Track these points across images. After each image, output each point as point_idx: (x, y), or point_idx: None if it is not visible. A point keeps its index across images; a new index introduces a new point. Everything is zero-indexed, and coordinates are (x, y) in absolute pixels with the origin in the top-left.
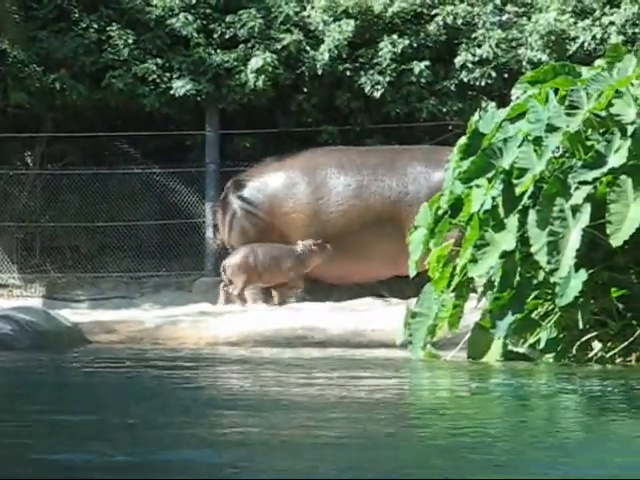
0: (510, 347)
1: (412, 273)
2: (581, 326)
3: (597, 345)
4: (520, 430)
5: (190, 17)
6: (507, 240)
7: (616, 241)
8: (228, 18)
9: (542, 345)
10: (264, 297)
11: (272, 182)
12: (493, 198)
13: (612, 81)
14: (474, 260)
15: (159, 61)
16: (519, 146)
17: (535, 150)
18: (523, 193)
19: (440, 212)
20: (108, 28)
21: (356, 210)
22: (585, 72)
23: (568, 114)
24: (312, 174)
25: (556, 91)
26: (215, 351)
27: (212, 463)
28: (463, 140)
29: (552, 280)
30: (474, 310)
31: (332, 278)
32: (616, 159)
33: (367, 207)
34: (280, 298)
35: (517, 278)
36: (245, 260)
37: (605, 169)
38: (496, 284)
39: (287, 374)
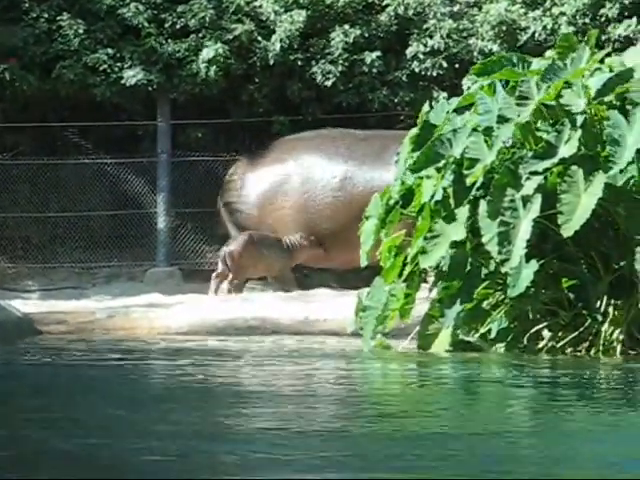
0: (461, 337)
1: (363, 263)
2: (532, 316)
3: (548, 335)
4: (470, 421)
5: (141, 7)
6: (457, 230)
7: (567, 231)
8: (179, 8)
9: (493, 335)
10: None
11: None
12: (444, 189)
13: (566, 72)
14: (425, 251)
15: (110, 51)
16: (468, 137)
17: (485, 141)
18: (474, 184)
19: (391, 202)
20: (58, 18)
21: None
22: (536, 63)
23: (518, 104)
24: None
25: (507, 82)
26: (164, 342)
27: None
28: (414, 131)
29: (503, 270)
30: (426, 300)
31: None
32: (567, 149)
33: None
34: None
35: (467, 268)
36: (247, 247)
37: (556, 159)
38: (446, 274)
39: (230, 364)
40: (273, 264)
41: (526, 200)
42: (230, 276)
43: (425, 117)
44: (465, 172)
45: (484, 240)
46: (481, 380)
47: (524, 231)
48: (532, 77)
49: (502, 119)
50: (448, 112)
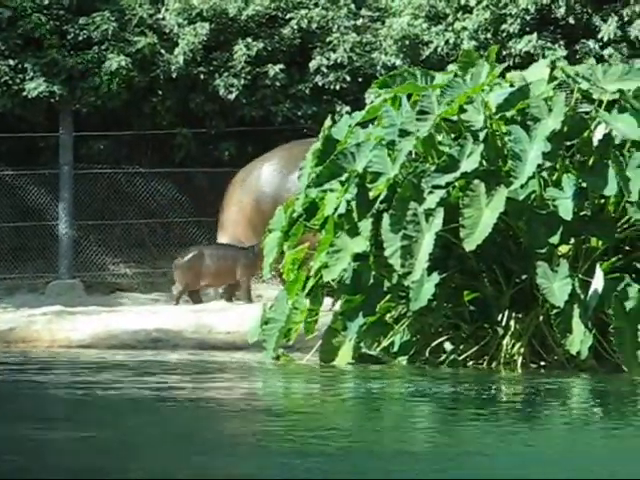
0: (363, 350)
1: (266, 275)
2: (434, 329)
3: (450, 348)
4: (371, 435)
5: (43, 18)
6: (360, 244)
7: (469, 245)
8: (82, 20)
9: (396, 348)
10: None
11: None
12: (347, 202)
13: (466, 87)
14: (328, 264)
15: (11, 62)
16: (372, 150)
17: (389, 154)
18: (377, 197)
19: (295, 215)
20: None
21: None
22: (438, 77)
23: (418, 119)
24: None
25: (409, 96)
26: (64, 354)
27: None
28: (317, 145)
29: (405, 283)
30: (328, 313)
31: None
32: (469, 164)
33: None
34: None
35: (370, 281)
36: (192, 262)
37: (458, 173)
38: (349, 287)
39: (128, 377)
40: (233, 273)
41: (429, 214)
42: (180, 287)
43: (327, 132)
44: (368, 185)
45: (387, 253)
46: (382, 395)
47: (427, 244)
48: (433, 91)
49: (404, 133)
50: (351, 126)
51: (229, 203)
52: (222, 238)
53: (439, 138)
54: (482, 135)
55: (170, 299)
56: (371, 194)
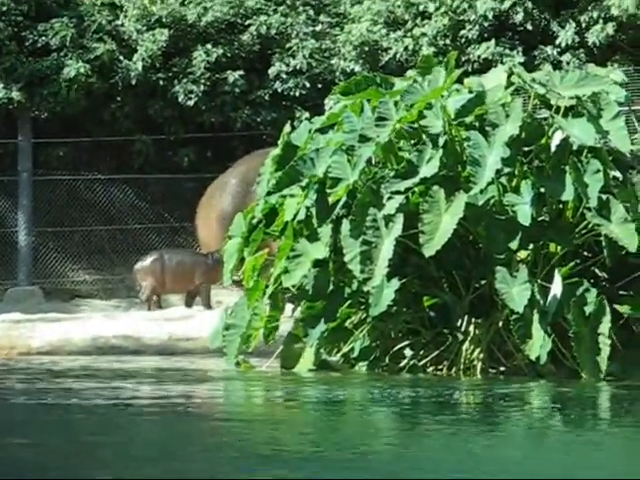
0: (324, 356)
1: (227, 282)
2: (393, 335)
3: (409, 354)
4: (330, 445)
5: (1, 24)
6: (320, 249)
7: (429, 251)
8: (40, 26)
9: (355, 354)
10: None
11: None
12: (307, 208)
13: (425, 93)
14: (287, 270)
15: None
16: (331, 156)
17: (348, 160)
18: (336, 203)
19: (254, 221)
20: None
21: None
22: (398, 83)
23: (377, 125)
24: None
25: (369, 102)
26: (20, 362)
27: None
28: (277, 151)
29: (365, 289)
30: (289, 319)
31: None
32: (428, 169)
33: None
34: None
35: (330, 287)
36: (152, 265)
37: (417, 179)
38: (309, 293)
39: (84, 384)
40: (191, 280)
41: (388, 219)
42: (147, 291)
43: (287, 138)
44: (328, 191)
45: (346, 259)
46: (343, 401)
47: (386, 250)
48: (392, 98)
49: (364, 139)
50: (311, 131)
51: (199, 221)
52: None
53: (399, 144)
54: (441, 141)
55: (130, 305)
56: (330, 200)
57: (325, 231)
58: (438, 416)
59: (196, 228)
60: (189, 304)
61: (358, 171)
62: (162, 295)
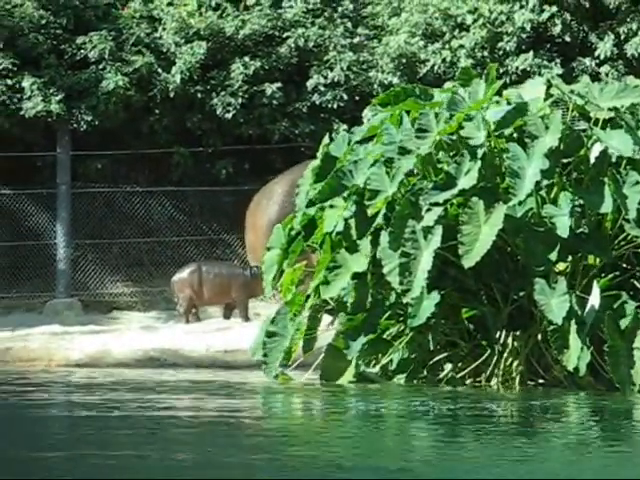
0: (362, 368)
1: (268, 294)
2: (432, 347)
3: (448, 366)
4: (374, 455)
5: (40, 37)
6: (359, 261)
7: (468, 262)
8: (79, 39)
9: (394, 366)
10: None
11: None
12: (346, 220)
13: (466, 105)
14: (326, 282)
15: (9, 82)
16: (370, 168)
17: (387, 172)
18: (375, 215)
19: (293, 233)
20: None
21: None
22: (436, 94)
23: (418, 137)
24: None
25: (408, 113)
26: (59, 374)
27: None
28: (316, 163)
29: (404, 301)
30: (327, 331)
31: None
32: (466, 181)
33: None
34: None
35: (369, 299)
36: (190, 277)
37: (455, 191)
38: (349, 305)
39: (125, 396)
40: (228, 293)
41: (427, 231)
42: (184, 303)
43: (326, 149)
44: (367, 203)
45: (385, 271)
46: (387, 413)
47: (425, 262)
48: (432, 109)
49: (403, 150)
50: (350, 143)
51: (247, 228)
52: (252, 262)
53: (438, 156)
54: (480, 152)
55: (169, 317)
56: (369, 211)
57: (364, 243)
58: (482, 428)
59: (244, 233)
60: (227, 316)
61: (397, 183)
62: (200, 307)
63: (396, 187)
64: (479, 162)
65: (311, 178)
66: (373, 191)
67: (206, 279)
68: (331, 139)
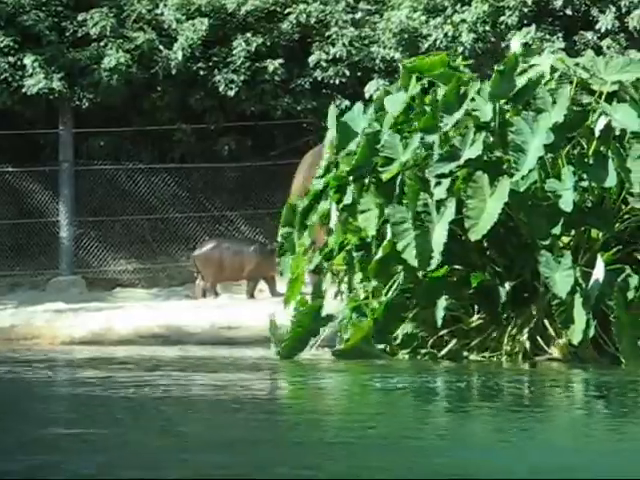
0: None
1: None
2: (439, 323)
3: (452, 342)
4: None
5: (41, 14)
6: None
7: (474, 235)
8: (80, 16)
9: (398, 341)
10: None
11: None
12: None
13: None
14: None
15: (11, 59)
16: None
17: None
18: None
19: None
20: None
21: None
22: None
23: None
24: None
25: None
26: (63, 351)
27: None
28: (332, 135)
29: (420, 275)
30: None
31: None
32: (472, 151)
33: None
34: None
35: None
36: (212, 253)
37: (461, 161)
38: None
39: (132, 374)
40: (241, 271)
41: (440, 204)
42: (210, 278)
43: (337, 119)
44: (380, 170)
45: (399, 248)
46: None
47: (439, 235)
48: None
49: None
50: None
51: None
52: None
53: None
54: (492, 125)
55: (171, 294)
56: (384, 177)
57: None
58: (486, 402)
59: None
60: (274, 293)
61: (410, 151)
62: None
63: (409, 155)
64: (483, 133)
65: (330, 150)
66: (388, 158)
67: (226, 256)
68: (341, 111)
